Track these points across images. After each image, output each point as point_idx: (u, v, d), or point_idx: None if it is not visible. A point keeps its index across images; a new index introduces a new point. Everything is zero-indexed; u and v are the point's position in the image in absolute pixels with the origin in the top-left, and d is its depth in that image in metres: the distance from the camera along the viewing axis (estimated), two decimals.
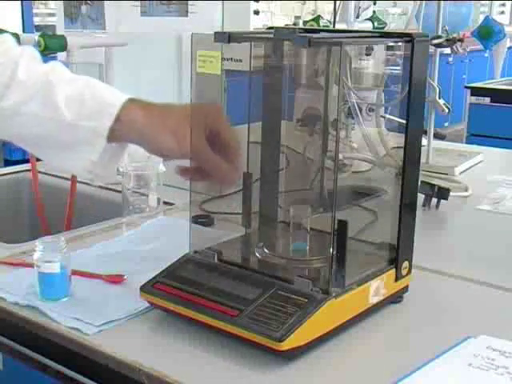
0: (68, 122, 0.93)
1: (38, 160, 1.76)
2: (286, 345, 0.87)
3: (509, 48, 3.40)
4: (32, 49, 1.02)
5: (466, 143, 3.32)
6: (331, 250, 0.93)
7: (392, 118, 1.08)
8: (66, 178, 1.75)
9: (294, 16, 7.67)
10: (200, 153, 0.93)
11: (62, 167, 1.00)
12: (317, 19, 2.87)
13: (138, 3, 1.89)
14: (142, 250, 1.21)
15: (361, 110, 1.07)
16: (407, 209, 1.04)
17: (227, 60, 1.02)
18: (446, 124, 6.40)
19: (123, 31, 1.85)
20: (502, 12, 8.30)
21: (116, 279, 1.13)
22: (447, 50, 1.88)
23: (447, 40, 1.82)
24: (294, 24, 5.69)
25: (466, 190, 1.71)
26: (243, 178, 1.04)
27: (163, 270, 1.03)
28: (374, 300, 1.01)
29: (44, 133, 0.95)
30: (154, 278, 1.02)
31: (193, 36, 1.02)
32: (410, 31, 1.18)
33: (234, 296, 0.95)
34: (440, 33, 1.83)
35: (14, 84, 0.95)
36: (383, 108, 1.10)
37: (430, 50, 1.18)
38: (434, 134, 1.92)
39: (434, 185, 1.57)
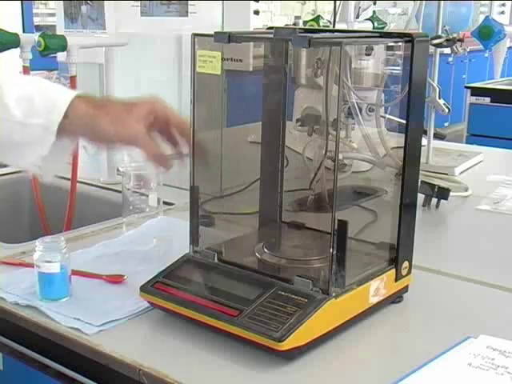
0: (18, 121, 0.96)
1: None
2: (285, 345, 0.87)
3: (509, 48, 3.40)
4: None
5: (466, 143, 3.32)
6: (331, 250, 0.93)
7: (392, 118, 1.08)
8: (66, 178, 1.75)
9: (294, 16, 7.67)
10: (138, 138, 0.96)
11: (13, 163, 1.05)
12: (317, 19, 2.87)
13: (138, 3, 1.89)
14: (142, 250, 1.21)
15: (361, 110, 1.07)
16: (407, 209, 1.04)
17: (227, 60, 1.02)
18: (446, 124, 6.40)
19: (123, 31, 1.85)
20: (502, 12, 8.29)
21: (116, 279, 1.13)
22: (447, 50, 1.88)
23: (447, 40, 1.82)
24: (294, 24, 5.68)
25: (466, 190, 1.71)
26: (191, 192, 1.06)
27: (163, 270, 1.03)
28: (373, 300, 1.01)
29: None
30: (153, 278, 1.02)
31: (193, 36, 1.02)
32: (410, 31, 1.18)
33: (233, 296, 0.95)
34: (440, 33, 1.83)
35: None
36: (383, 108, 1.10)
37: (430, 50, 1.18)
38: (434, 134, 1.92)
39: (434, 185, 1.57)
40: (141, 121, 0.97)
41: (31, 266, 1.08)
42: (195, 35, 1.02)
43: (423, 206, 1.55)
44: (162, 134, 1.02)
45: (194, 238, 1.07)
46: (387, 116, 1.10)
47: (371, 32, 1.34)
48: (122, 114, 0.96)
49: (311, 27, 2.54)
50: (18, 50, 1.64)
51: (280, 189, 1.18)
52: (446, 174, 1.84)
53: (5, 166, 1.76)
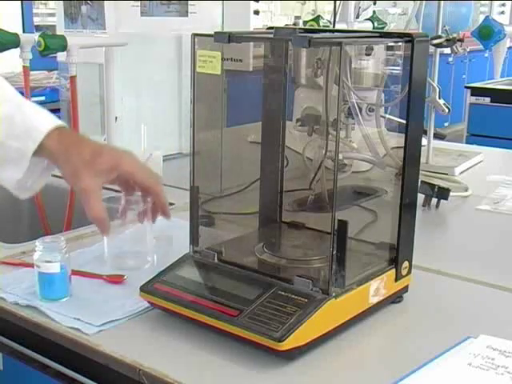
0: None
1: None
2: (285, 345, 0.87)
3: (509, 48, 3.40)
4: None
5: (466, 143, 3.31)
6: (331, 250, 0.93)
7: (392, 118, 1.08)
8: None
9: (294, 16, 7.67)
10: (85, 195, 0.95)
11: None
12: (317, 19, 2.87)
13: (138, 3, 1.89)
14: (142, 250, 1.21)
15: (361, 110, 1.07)
16: (407, 209, 1.04)
17: (227, 60, 1.02)
18: (446, 124, 6.40)
19: (123, 31, 1.85)
20: (502, 12, 8.29)
21: (116, 279, 1.13)
22: (447, 50, 1.88)
23: (447, 40, 1.82)
24: (294, 24, 5.68)
25: (466, 190, 1.71)
26: (191, 192, 1.06)
27: (163, 270, 1.03)
28: (373, 300, 1.01)
29: None
30: (153, 277, 1.02)
31: (193, 36, 1.02)
32: (410, 31, 1.18)
33: (233, 296, 0.95)
34: (440, 33, 1.83)
35: None
36: (383, 108, 1.10)
37: (430, 50, 1.18)
38: (434, 134, 1.92)
39: (434, 185, 1.57)
40: (100, 176, 0.96)
41: (31, 265, 1.08)
42: (195, 35, 1.02)
43: (423, 206, 1.55)
44: (126, 187, 1.02)
45: (194, 237, 1.07)
46: (387, 116, 1.10)
47: (371, 32, 1.35)
48: (81, 165, 0.95)
49: (311, 27, 2.54)
50: (18, 50, 1.64)
51: (280, 189, 1.18)
52: (446, 174, 1.84)
53: None
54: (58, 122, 0.98)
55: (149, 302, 1.02)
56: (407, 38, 0.98)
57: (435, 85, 1.83)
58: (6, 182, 1.00)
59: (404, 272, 1.06)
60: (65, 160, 0.96)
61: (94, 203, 0.95)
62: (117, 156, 0.99)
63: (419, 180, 1.15)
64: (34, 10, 5.64)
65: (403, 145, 1.01)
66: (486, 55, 6.50)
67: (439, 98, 1.82)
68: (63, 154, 0.96)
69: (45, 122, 0.97)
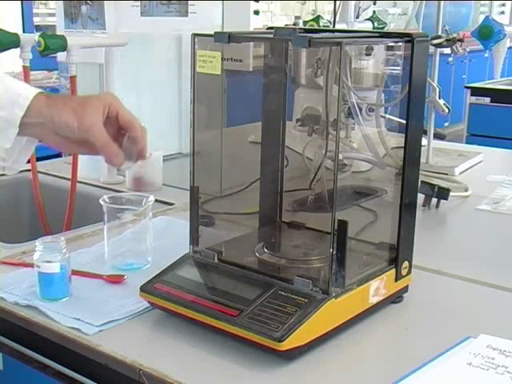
0: None
1: (37, 160, 1.76)
2: (285, 345, 0.87)
3: (509, 48, 3.40)
4: None
5: (466, 143, 3.32)
6: (331, 250, 0.93)
7: (392, 117, 1.08)
8: (66, 178, 1.75)
9: (294, 16, 7.68)
10: (95, 130, 0.98)
11: None
12: (317, 19, 2.87)
13: (138, 3, 1.89)
14: (142, 250, 1.21)
15: (361, 110, 1.07)
16: (407, 209, 1.04)
17: (227, 60, 1.02)
18: (446, 124, 6.40)
19: (123, 31, 1.85)
20: (502, 12, 8.29)
21: (116, 279, 1.13)
22: (447, 50, 1.88)
23: (447, 40, 1.81)
24: (294, 24, 5.69)
25: (466, 190, 1.71)
26: (191, 192, 1.05)
27: (163, 270, 1.03)
28: (373, 300, 1.01)
29: None
30: (154, 277, 1.02)
31: (193, 36, 1.02)
32: (410, 31, 1.18)
33: (234, 296, 0.95)
34: (440, 33, 1.83)
35: None
36: (383, 108, 1.10)
37: (430, 50, 1.18)
38: (434, 134, 1.92)
39: (434, 185, 1.57)
40: (96, 113, 0.98)
41: (31, 265, 1.08)
42: (195, 35, 1.02)
43: (423, 206, 1.55)
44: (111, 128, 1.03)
45: (194, 237, 1.07)
46: (387, 116, 1.10)
47: (371, 32, 1.34)
48: (79, 106, 0.98)
49: (311, 27, 2.54)
50: (18, 50, 1.64)
51: (280, 189, 1.18)
52: (446, 174, 1.84)
53: None
54: (40, 90, 1.00)
55: (149, 302, 1.02)
56: (407, 37, 0.98)
57: (435, 85, 1.83)
58: None
59: (404, 272, 1.06)
60: (58, 113, 0.97)
61: (102, 134, 0.98)
62: (103, 96, 1.03)
63: (419, 180, 1.15)
64: (34, 10, 5.64)
65: (403, 145, 1.01)
66: (486, 55, 6.51)
67: (439, 98, 1.82)
68: (56, 107, 0.97)
69: (27, 89, 0.99)
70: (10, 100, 0.97)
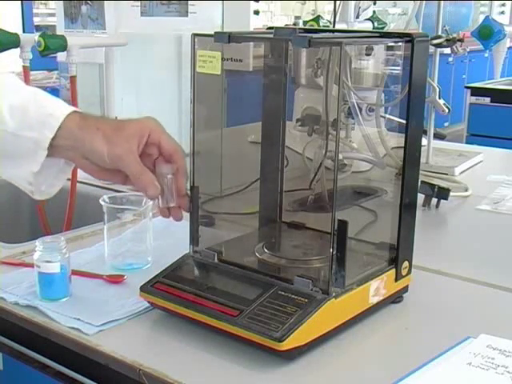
0: (11, 132, 0.93)
1: None
2: (285, 345, 0.87)
3: (509, 48, 3.40)
4: None
5: (466, 143, 3.32)
6: (331, 250, 0.93)
7: (392, 117, 1.08)
8: (67, 178, 1.75)
9: (294, 16, 7.69)
10: (127, 159, 0.93)
11: (6, 176, 0.99)
12: (317, 19, 2.87)
13: (138, 3, 1.89)
14: (142, 250, 1.21)
15: (361, 109, 1.07)
16: (407, 209, 1.04)
17: (227, 60, 1.02)
18: (446, 124, 6.40)
19: (123, 31, 1.85)
20: (502, 12, 8.30)
21: (116, 279, 1.13)
22: (447, 50, 1.88)
23: (447, 40, 1.81)
24: (294, 24, 5.69)
25: (466, 190, 1.71)
26: (191, 192, 1.03)
27: (163, 270, 1.03)
28: (373, 300, 1.01)
29: None
30: (153, 277, 1.02)
31: (193, 36, 1.02)
32: (410, 31, 1.18)
33: (234, 296, 0.95)
34: (440, 33, 1.83)
35: None
36: (383, 108, 1.10)
37: (430, 50, 1.18)
38: (434, 134, 1.92)
39: (434, 185, 1.57)
40: (130, 140, 0.93)
41: (31, 265, 1.08)
42: (195, 35, 1.02)
43: (423, 206, 1.55)
44: (150, 157, 0.97)
45: (194, 237, 1.07)
46: (387, 116, 1.10)
47: (371, 32, 1.34)
48: (113, 132, 0.93)
49: (311, 27, 2.54)
50: (18, 49, 1.64)
51: (280, 189, 1.18)
52: (446, 174, 1.84)
53: None
54: (73, 108, 0.95)
55: (149, 302, 1.02)
56: (407, 37, 0.98)
57: (435, 85, 1.83)
58: (21, 180, 0.96)
59: (404, 272, 1.06)
60: (90, 139, 0.92)
61: (135, 163, 0.92)
62: (143, 121, 0.96)
63: (419, 180, 1.15)
64: (34, 10, 5.65)
65: (403, 145, 1.01)
66: (486, 55, 6.51)
67: (439, 98, 1.82)
68: (87, 132, 0.92)
69: (59, 108, 0.94)
70: (40, 120, 0.92)
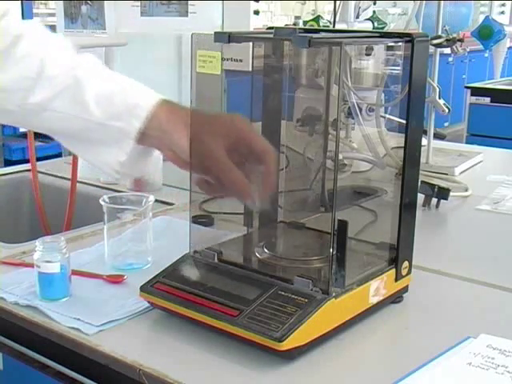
0: (97, 121, 0.92)
1: (37, 160, 1.76)
2: (285, 345, 0.87)
3: (509, 48, 3.40)
4: (59, 36, 1.01)
5: (466, 143, 3.32)
6: (331, 250, 0.93)
7: (392, 117, 1.08)
8: (66, 178, 1.75)
9: (294, 16, 7.69)
10: (218, 162, 0.89)
11: (92, 163, 0.98)
12: (317, 19, 2.87)
13: (138, 3, 1.89)
14: (142, 250, 1.21)
15: (361, 109, 1.07)
16: (407, 209, 1.04)
17: (227, 60, 1.02)
18: (446, 124, 6.40)
19: (123, 31, 1.85)
20: (502, 12, 8.30)
21: (116, 279, 1.13)
22: (447, 50, 1.88)
23: (447, 40, 1.81)
24: (294, 24, 5.69)
25: (466, 190, 1.71)
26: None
27: (163, 270, 1.03)
28: (373, 300, 1.01)
29: (73, 129, 0.94)
30: (153, 277, 1.02)
31: (193, 36, 1.02)
32: (410, 31, 1.18)
33: (234, 296, 0.95)
34: (440, 33, 1.83)
35: (41, 80, 0.93)
36: (383, 108, 1.10)
37: (430, 50, 1.18)
38: (434, 134, 1.92)
39: (434, 185, 1.57)
40: (217, 138, 0.89)
41: (31, 265, 1.08)
42: (195, 35, 1.02)
43: (423, 206, 1.55)
44: (239, 158, 0.91)
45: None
46: (387, 116, 1.10)
47: (371, 32, 1.34)
48: (200, 127, 0.90)
49: (311, 27, 2.54)
50: None
51: (280, 189, 1.18)
52: (446, 174, 1.84)
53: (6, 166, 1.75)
54: (160, 96, 0.93)
55: (149, 302, 1.02)
56: (407, 37, 0.98)
57: (435, 85, 1.83)
58: (107, 166, 0.95)
59: (404, 272, 1.06)
60: (177, 136, 0.90)
61: (227, 167, 0.89)
62: (233, 118, 0.93)
63: (419, 180, 1.15)
64: (34, 10, 5.64)
65: (403, 145, 1.01)
66: (486, 55, 6.51)
67: (439, 98, 1.82)
68: (173, 128, 0.90)
69: (146, 96, 0.92)
70: (128, 108, 0.91)
